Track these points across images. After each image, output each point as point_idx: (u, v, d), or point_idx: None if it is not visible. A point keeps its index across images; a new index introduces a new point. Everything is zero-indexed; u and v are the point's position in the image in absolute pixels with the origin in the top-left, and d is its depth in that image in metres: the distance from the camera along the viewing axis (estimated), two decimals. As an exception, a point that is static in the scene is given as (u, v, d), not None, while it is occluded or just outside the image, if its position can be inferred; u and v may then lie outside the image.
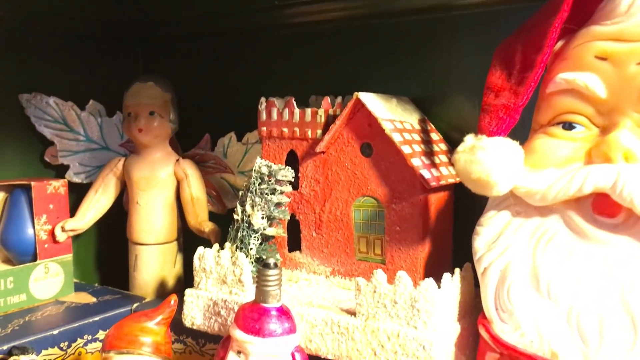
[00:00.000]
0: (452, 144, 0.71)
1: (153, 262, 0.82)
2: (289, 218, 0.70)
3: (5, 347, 0.64)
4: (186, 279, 0.86)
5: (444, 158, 0.66)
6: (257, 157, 0.81)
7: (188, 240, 0.87)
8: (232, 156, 0.84)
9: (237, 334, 0.56)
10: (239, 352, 0.56)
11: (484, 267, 0.54)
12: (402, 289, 0.55)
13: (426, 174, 0.60)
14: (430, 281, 0.54)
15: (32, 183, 0.77)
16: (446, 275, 0.56)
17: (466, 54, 0.70)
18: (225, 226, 0.80)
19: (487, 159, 0.50)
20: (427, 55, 0.73)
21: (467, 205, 0.70)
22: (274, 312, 0.56)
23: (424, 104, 0.73)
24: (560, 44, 0.53)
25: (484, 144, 0.51)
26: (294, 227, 0.72)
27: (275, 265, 0.57)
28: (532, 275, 0.51)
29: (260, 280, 0.56)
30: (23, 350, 0.61)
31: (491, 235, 0.55)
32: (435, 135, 0.69)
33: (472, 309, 0.60)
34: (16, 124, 0.84)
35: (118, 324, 0.60)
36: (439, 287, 0.55)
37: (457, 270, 0.58)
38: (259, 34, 0.86)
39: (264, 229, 0.69)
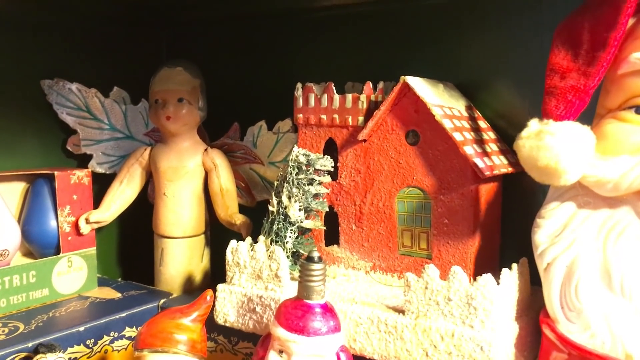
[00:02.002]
0: (499, 132, 0.67)
1: (180, 256, 0.78)
2: (327, 210, 0.67)
3: (30, 345, 0.60)
4: (213, 274, 0.83)
5: (494, 147, 0.62)
6: (288, 147, 0.78)
7: (215, 234, 0.83)
8: (262, 146, 0.80)
9: (280, 332, 0.52)
10: (280, 352, 0.53)
11: (547, 262, 0.50)
12: (457, 285, 0.51)
13: (480, 162, 0.57)
14: (488, 277, 0.50)
15: (56, 172, 0.73)
16: (505, 271, 0.52)
17: (514, 37, 0.66)
18: (254, 219, 0.77)
19: (556, 145, 0.46)
20: (471, 39, 0.69)
21: (515, 198, 0.66)
22: (318, 309, 0.53)
23: (468, 90, 0.69)
24: (632, 21, 0.49)
25: (552, 129, 0.47)
26: (331, 220, 0.69)
27: (320, 259, 0.53)
28: (602, 271, 0.47)
29: (303, 275, 0.53)
30: (50, 348, 0.58)
31: (554, 228, 0.51)
32: (483, 123, 0.65)
33: (529, 307, 0.57)
34: (37, 111, 0.81)
35: (151, 320, 0.57)
36: (497, 283, 0.51)
37: (514, 265, 0.54)
38: (291, 17, 0.82)
39: (301, 222, 0.65)
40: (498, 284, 0.51)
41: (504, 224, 0.66)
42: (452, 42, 0.70)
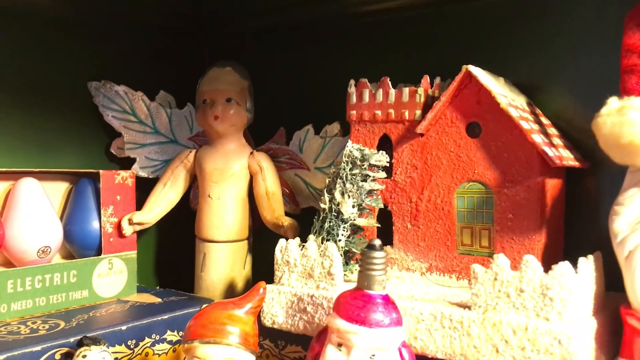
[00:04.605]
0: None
1: (223, 261, 0.76)
2: (382, 207, 0.64)
3: (72, 340, 0.58)
4: (254, 283, 0.79)
5: (558, 141, 0.60)
6: (336, 152, 0.77)
7: (256, 242, 0.81)
8: (308, 151, 0.78)
9: (339, 323, 0.49)
10: (339, 345, 0.50)
11: (628, 250, 0.47)
12: (531, 274, 0.48)
13: (549, 151, 0.54)
14: (566, 265, 0.47)
15: (101, 171, 0.72)
16: (581, 260, 0.49)
17: (575, 35, 0.65)
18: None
19: (642, 119, 0.44)
20: (531, 37, 0.67)
21: (577, 198, 0.63)
22: (379, 300, 0.50)
23: (526, 90, 0.67)
24: None
25: (636, 104, 0.45)
26: (384, 219, 0.66)
27: (381, 247, 0.51)
28: (692, 257, 0.44)
29: (364, 264, 0.50)
30: (94, 340, 0.55)
31: (635, 215, 0.48)
32: (544, 119, 0.63)
33: (604, 305, 0.53)
34: (83, 113, 0.80)
35: (202, 311, 0.54)
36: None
37: (590, 256, 0.51)
38: (337, 23, 0.82)
39: (354, 219, 0.63)
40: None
41: (566, 226, 0.63)
42: (508, 42, 0.68)
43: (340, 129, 0.76)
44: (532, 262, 0.48)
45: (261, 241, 0.80)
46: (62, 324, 0.63)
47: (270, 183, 0.76)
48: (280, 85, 0.86)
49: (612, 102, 0.47)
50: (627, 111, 0.45)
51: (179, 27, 0.90)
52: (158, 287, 0.81)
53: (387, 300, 0.50)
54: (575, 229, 0.63)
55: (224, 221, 0.75)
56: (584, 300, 0.49)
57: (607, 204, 0.62)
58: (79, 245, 0.73)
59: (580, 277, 0.48)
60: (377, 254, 0.50)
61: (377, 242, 0.51)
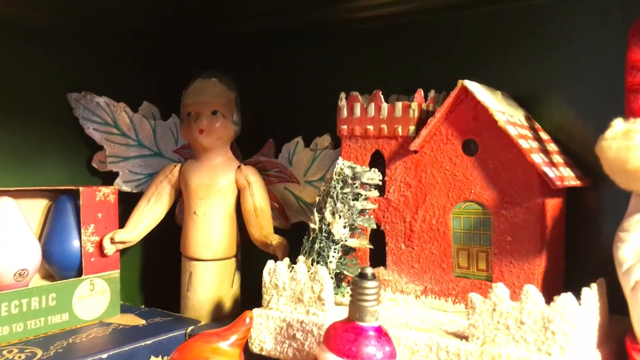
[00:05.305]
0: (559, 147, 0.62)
1: (210, 280, 0.73)
2: (375, 227, 0.61)
3: (49, 371, 0.55)
4: (243, 302, 0.77)
5: (559, 158, 0.57)
6: (326, 165, 0.74)
7: (244, 259, 0.78)
8: (298, 164, 0.75)
9: (330, 358, 0.46)
10: (330, 381, 0.47)
11: (635, 281, 0.45)
12: (532, 306, 0.46)
13: (549, 172, 0.51)
14: (569, 296, 0.44)
15: (81, 188, 0.69)
16: (585, 290, 0.46)
17: (576, 45, 0.62)
18: (288, 243, 0.72)
19: (649, 144, 0.41)
20: (528, 47, 0.64)
21: (578, 216, 0.61)
22: (372, 333, 0.47)
23: (524, 102, 0.64)
24: None
25: (643, 127, 0.42)
26: (377, 239, 0.63)
27: (374, 276, 0.48)
28: None
29: (355, 295, 0.48)
30: (71, 374, 0.52)
31: (641, 242, 0.45)
32: (544, 135, 0.60)
33: (609, 335, 0.50)
34: (63, 126, 0.77)
35: (185, 344, 0.51)
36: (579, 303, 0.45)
37: (593, 285, 0.49)
38: (327, 30, 0.78)
39: (345, 240, 0.60)
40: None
41: (566, 243, 0.61)
42: (505, 52, 0.66)
43: (331, 142, 0.73)
44: (532, 293, 0.45)
45: (250, 258, 0.77)
46: (40, 352, 0.60)
47: (258, 198, 0.73)
48: (269, 96, 0.82)
49: (617, 124, 0.44)
50: (633, 135, 0.42)
51: (163, 36, 0.87)
52: (143, 306, 0.78)
53: (380, 333, 0.47)
54: (577, 246, 0.61)
55: (210, 239, 0.72)
56: (588, 333, 0.46)
57: (609, 221, 0.60)
58: (59, 266, 0.70)
59: (583, 309, 0.45)
60: (369, 283, 0.47)
61: (369, 270, 0.48)
